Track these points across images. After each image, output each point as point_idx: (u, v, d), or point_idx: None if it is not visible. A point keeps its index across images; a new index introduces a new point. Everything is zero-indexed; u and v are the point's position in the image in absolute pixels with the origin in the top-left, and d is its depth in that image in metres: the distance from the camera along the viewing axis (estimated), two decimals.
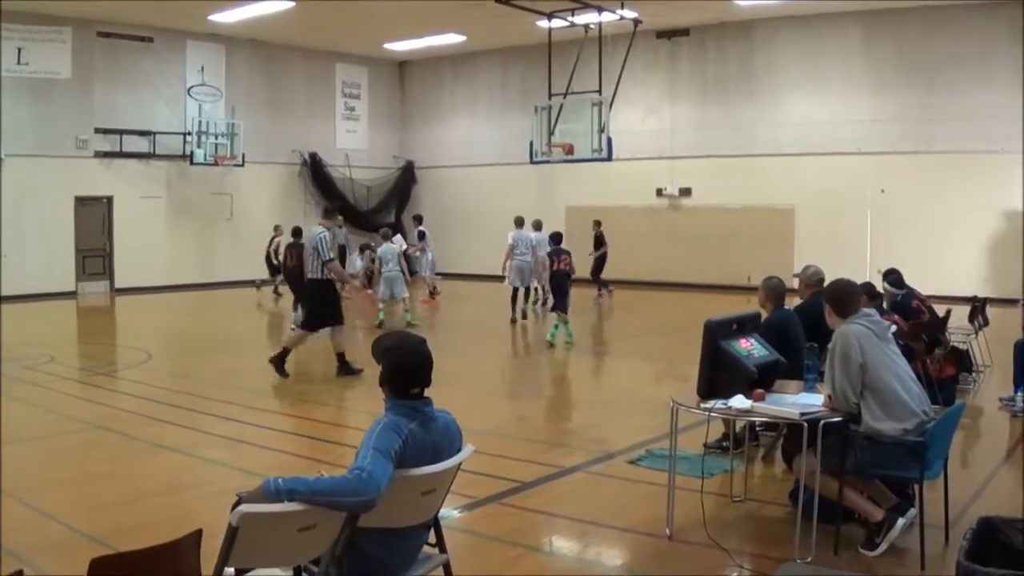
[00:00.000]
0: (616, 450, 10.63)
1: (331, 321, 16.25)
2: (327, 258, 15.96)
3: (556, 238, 21.41)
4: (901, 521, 7.19)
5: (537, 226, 24.48)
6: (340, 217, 34.59)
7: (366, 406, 13.53)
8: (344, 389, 15.93)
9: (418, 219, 30.30)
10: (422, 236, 29.31)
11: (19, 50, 29.57)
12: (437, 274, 30.62)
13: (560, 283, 20.23)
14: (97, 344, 22.27)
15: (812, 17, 29.24)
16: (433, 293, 28.99)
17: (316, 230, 16.09)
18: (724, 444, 9.84)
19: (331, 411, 13.92)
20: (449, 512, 7.61)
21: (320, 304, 16.24)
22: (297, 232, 23.02)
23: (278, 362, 16.07)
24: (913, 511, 7.25)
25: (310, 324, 16.42)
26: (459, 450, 5.41)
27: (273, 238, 29.06)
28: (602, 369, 18.00)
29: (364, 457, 4.85)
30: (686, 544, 7.55)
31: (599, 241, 28.54)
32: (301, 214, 35.23)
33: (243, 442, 11.51)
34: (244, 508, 4.52)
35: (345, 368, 16.13)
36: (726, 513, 8.37)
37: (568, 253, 20.83)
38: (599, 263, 28.87)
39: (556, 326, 19.92)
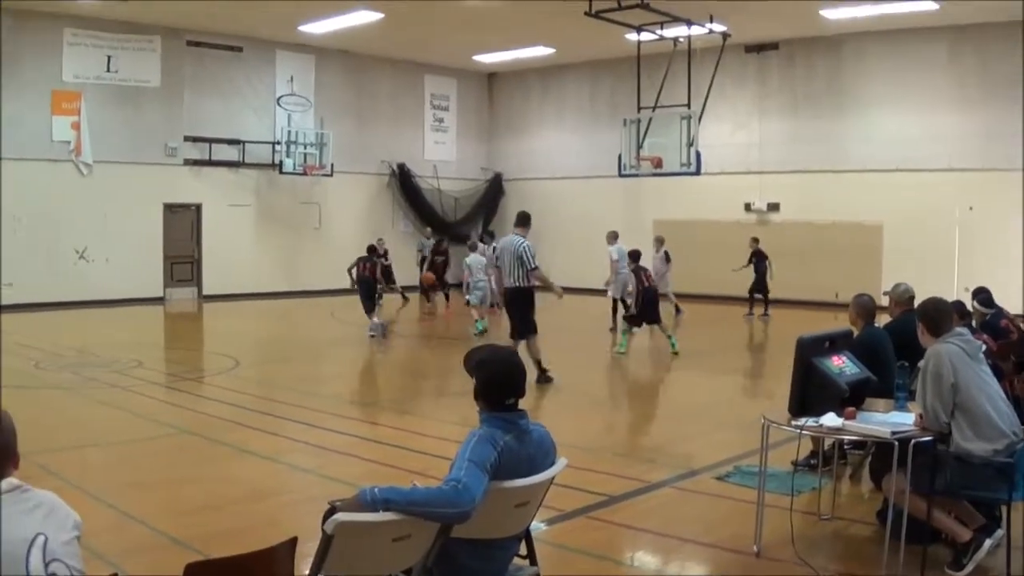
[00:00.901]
0: (703, 466, 10.60)
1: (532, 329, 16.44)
2: (532, 266, 16.06)
3: (635, 255, 21.58)
4: (988, 542, 7.10)
5: (615, 238, 24.69)
6: (428, 228, 35.02)
7: (450, 416, 13.61)
8: (428, 399, 16.10)
9: (491, 235, 30.21)
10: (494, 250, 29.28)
11: (108, 58, 30.03)
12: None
13: (651, 297, 20.33)
14: (184, 350, 22.59)
15: (899, 32, 28.91)
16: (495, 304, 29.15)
17: (515, 239, 16.27)
18: (812, 462, 9.79)
19: (415, 420, 13.87)
20: (537, 524, 7.54)
21: (528, 311, 16.36)
22: (371, 249, 24.75)
23: (541, 375, 16.08)
24: (1000, 532, 7.18)
25: (525, 331, 16.44)
26: (553, 463, 5.41)
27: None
28: (689, 383, 17.91)
29: (459, 468, 4.86)
30: (774, 562, 7.52)
31: (759, 256, 28.03)
32: (389, 224, 35.49)
33: (328, 450, 11.62)
34: (340, 516, 4.55)
35: (544, 376, 16.12)
36: (813, 531, 8.32)
37: (647, 270, 21.09)
38: (760, 280, 28.43)
39: (624, 336, 20.52)
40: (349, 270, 24.19)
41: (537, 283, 16.48)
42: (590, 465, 10.42)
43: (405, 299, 29.77)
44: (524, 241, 16.22)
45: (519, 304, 16.44)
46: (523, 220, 16.99)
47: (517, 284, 16.20)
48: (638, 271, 20.87)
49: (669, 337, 20.34)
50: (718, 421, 13.49)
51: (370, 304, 23.69)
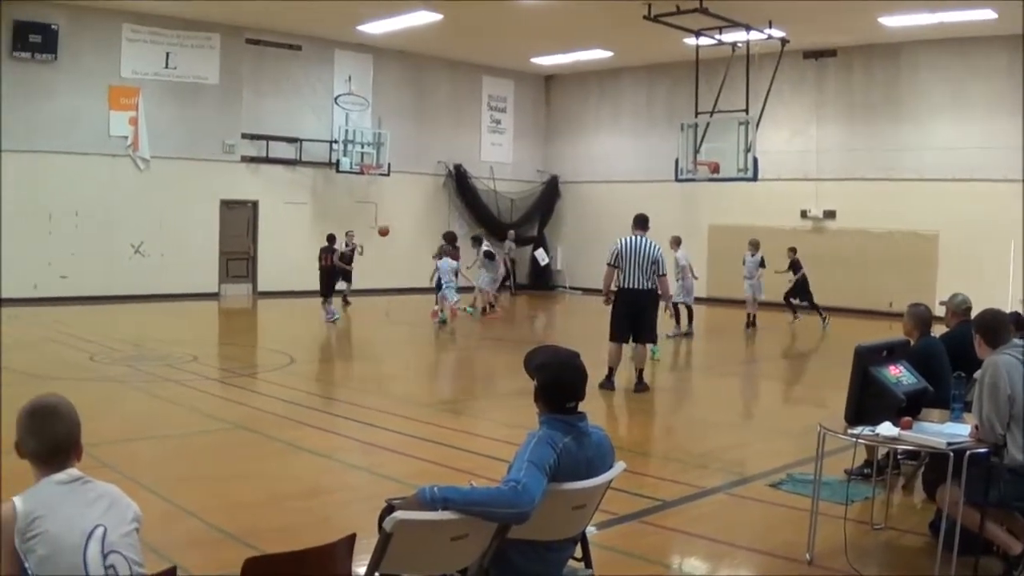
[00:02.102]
0: (756, 473, 10.58)
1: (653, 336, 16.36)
2: (664, 271, 15.99)
3: None
4: None
5: (679, 243, 24.66)
6: (512, 231, 35.20)
7: (503, 416, 13.65)
8: (482, 399, 16.11)
9: (477, 240, 30.43)
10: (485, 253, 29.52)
11: (167, 54, 30.30)
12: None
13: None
14: (239, 346, 22.70)
15: (957, 40, 28.67)
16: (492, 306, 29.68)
17: (648, 241, 15.90)
18: (866, 471, 9.75)
19: (468, 420, 13.96)
20: (591, 528, 7.54)
21: (656, 316, 16.25)
22: (331, 239, 26.54)
23: (640, 383, 15.97)
24: None
25: (653, 336, 16.37)
26: (611, 467, 5.41)
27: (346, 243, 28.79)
28: (742, 390, 17.87)
29: (519, 469, 4.88)
30: (826, 570, 7.49)
31: (795, 267, 27.88)
32: (444, 224, 35.46)
33: (382, 448, 11.66)
34: (400, 514, 4.57)
35: (642, 384, 15.98)
36: (866, 541, 8.28)
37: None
38: (800, 288, 28.07)
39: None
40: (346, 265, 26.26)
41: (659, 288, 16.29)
42: (644, 469, 10.49)
43: (346, 303, 29.64)
44: (658, 244, 16.08)
45: (649, 308, 16.08)
46: (645, 222, 16.34)
47: (649, 287, 15.80)
48: None
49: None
50: (771, 428, 13.49)
51: (326, 292, 25.74)
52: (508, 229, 36.84)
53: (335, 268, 26.13)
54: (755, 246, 26.67)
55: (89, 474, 4.20)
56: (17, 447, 4.20)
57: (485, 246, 29.82)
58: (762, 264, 26.87)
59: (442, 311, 25.59)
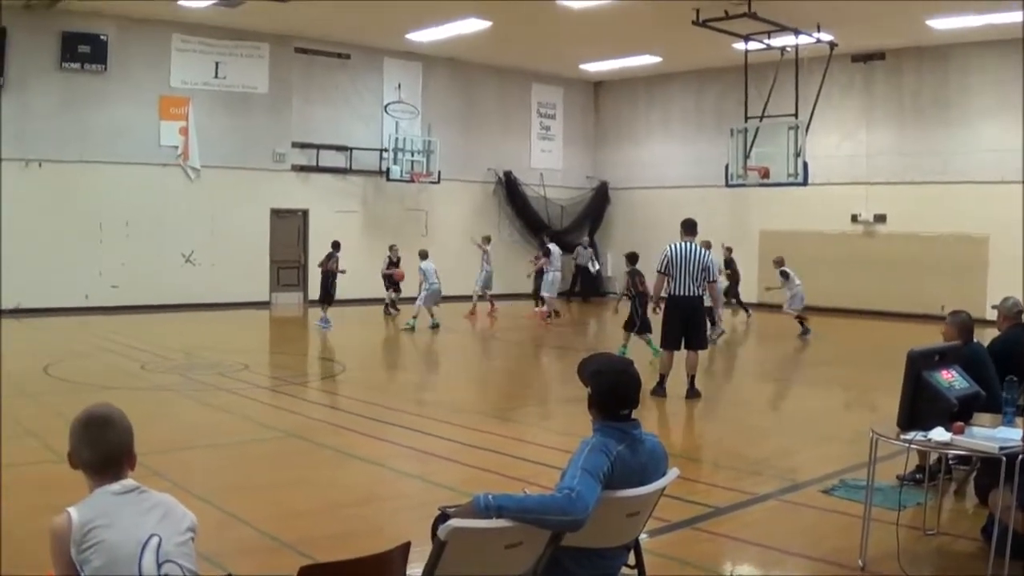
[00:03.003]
0: (808, 479, 10.56)
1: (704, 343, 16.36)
2: (714, 278, 15.98)
3: (632, 258, 21.22)
4: None
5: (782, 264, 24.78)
6: (586, 238, 35.43)
7: (554, 424, 13.73)
8: (532, 406, 16.14)
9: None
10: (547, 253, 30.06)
11: (217, 64, 30.55)
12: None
13: (644, 304, 20.19)
14: (290, 354, 22.76)
15: (1006, 42, 28.32)
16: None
17: (697, 247, 15.85)
18: (918, 476, 9.72)
19: (519, 427, 13.94)
20: (643, 535, 7.58)
21: (705, 323, 16.30)
22: (335, 245, 26.78)
23: (692, 389, 15.98)
24: None
25: (704, 343, 16.36)
26: (664, 473, 5.44)
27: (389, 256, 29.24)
28: (793, 396, 17.84)
29: (573, 477, 4.89)
30: None
31: (728, 265, 28.05)
32: (495, 231, 35.52)
33: (434, 455, 11.68)
34: (454, 523, 4.60)
35: (694, 390, 15.97)
36: (918, 546, 8.27)
37: (642, 275, 20.71)
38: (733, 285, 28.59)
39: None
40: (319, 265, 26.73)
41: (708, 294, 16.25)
42: (696, 476, 10.51)
43: (394, 310, 29.90)
44: (708, 251, 15.99)
45: (699, 315, 16.09)
46: (694, 227, 16.25)
47: (698, 294, 15.78)
48: (633, 275, 20.60)
49: (654, 352, 19.27)
50: (823, 434, 13.42)
51: (324, 297, 26.47)
52: (565, 236, 36.99)
53: (331, 274, 26.42)
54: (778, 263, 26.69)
55: (142, 483, 4.25)
56: (70, 458, 4.25)
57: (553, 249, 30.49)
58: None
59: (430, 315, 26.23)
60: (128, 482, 4.17)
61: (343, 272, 26.54)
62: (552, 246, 30.64)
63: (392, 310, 29.29)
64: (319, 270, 26.77)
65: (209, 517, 8.33)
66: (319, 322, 25.96)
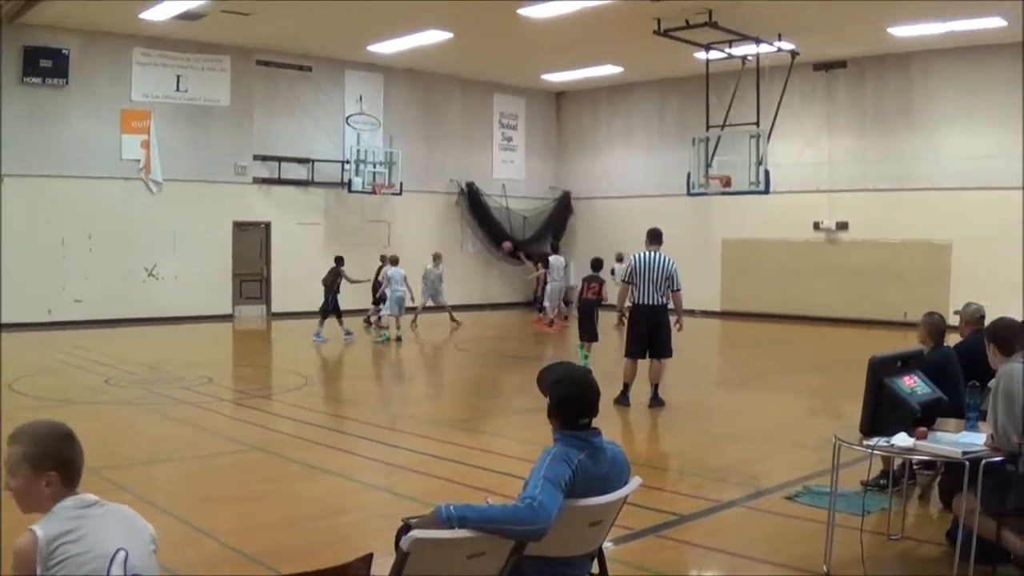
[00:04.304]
0: (773, 485, 10.57)
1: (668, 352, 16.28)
2: (679, 287, 15.98)
3: (595, 265, 21.33)
4: None
5: None
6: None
7: (518, 434, 13.71)
8: (497, 417, 16.13)
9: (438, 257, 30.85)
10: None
11: (178, 77, 30.42)
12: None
13: (588, 311, 20.26)
14: (254, 367, 22.79)
15: (968, 49, 28.60)
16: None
17: (663, 256, 15.82)
18: (882, 482, 9.75)
19: (483, 438, 13.94)
20: (607, 543, 7.53)
21: (670, 332, 16.17)
22: (338, 260, 26.79)
23: (655, 398, 15.99)
24: None
25: (669, 351, 16.23)
26: (626, 482, 5.43)
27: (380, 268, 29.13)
28: (756, 404, 17.82)
29: (535, 486, 4.89)
30: None
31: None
32: (457, 243, 35.65)
33: (399, 467, 11.67)
34: (416, 533, 4.59)
35: (658, 399, 15.98)
36: (883, 551, 8.29)
37: (601, 281, 20.82)
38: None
39: (585, 355, 19.93)
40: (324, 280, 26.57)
41: (671, 304, 16.27)
42: (660, 484, 10.51)
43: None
44: (672, 259, 16.06)
45: (665, 323, 16.04)
46: (659, 237, 16.24)
47: (664, 303, 15.80)
48: (585, 281, 20.72)
49: (584, 358, 19.63)
50: (787, 441, 13.46)
51: (332, 311, 26.14)
52: (523, 247, 37.04)
53: (335, 288, 26.29)
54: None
55: (106, 497, 4.22)
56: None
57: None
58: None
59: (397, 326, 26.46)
60: (88, 496, 4.14)
61: (358, 282, 27.12)
62: (553, 257, 31.08)
63: (371, 321, 29.22)
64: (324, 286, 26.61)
65: (174, 531, 8.37)
66: (316, 336, 25.75)
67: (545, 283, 31.06)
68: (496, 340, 27.30)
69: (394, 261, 26.74)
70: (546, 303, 30.70)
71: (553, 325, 29.84)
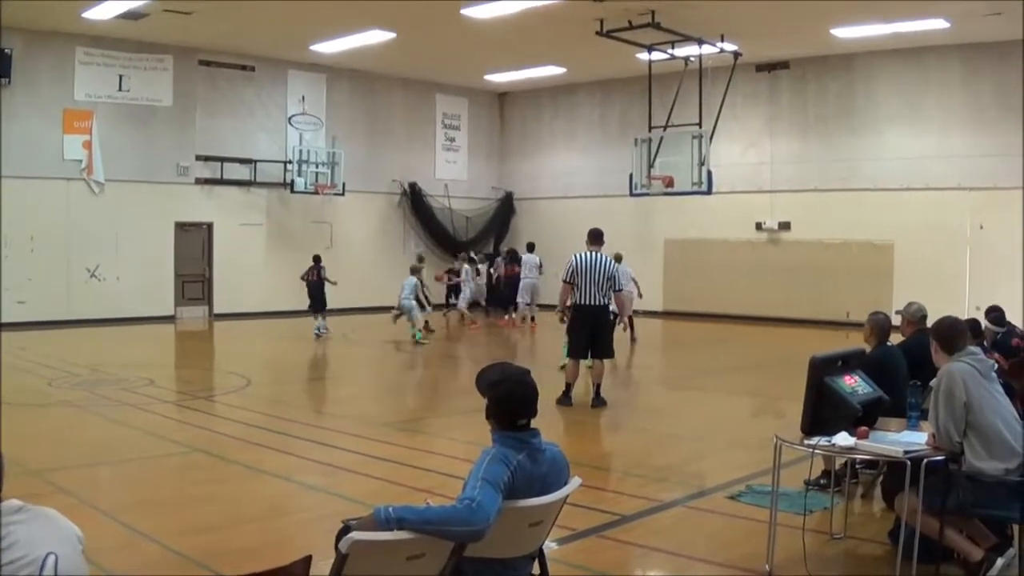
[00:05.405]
0: (715, 485, 10.59)
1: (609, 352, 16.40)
2: (620, 287, 15.93)
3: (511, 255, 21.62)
4: (1000, 561, 7.08)
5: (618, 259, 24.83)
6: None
7: (460, 434, 13.65)
8: (438, 417, 16.12)
9: (420, 258, 30.95)
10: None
11: (120, 77, 30.12)
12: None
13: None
14: (196, 368, 22.59)
15: (911, 50, 28.83)
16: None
17: (604, 257, 15.89)
18: (823, 481, 9.77)
19: (425, 439, 13.93)
20: (549, 543, 7.49)
21: (612, 332, 16.34)
22: (316, 259, 27.90)
23: (597, 399, 16.02)
24: (1012, 551, 7.17)
25: (610, 352, 16.40)
26: (566, 482, 5.42)
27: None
28: (699, 403, 17.85)
29: (473, 488, 4.88)
30: None
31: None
32: (400, 244, 35.57)
33: (340, 468, 11.62)
34: (355, 535, 4.56)
35: (600, 399, 16.01)
36: (825, 550, 8.30)
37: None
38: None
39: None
40: (302, 277, 27.40)
41: (613, 304, 16.30)
42: (602, 484, 10.50)
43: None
44: (613, 260, 16.06)
45: (606, 323, 16.24)
46: (600, 237, 16.28)
47: (605, 303, 15.88)
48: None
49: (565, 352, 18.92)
50: (730, 441, 13.50)
51: (315, 307, 27.19)
52: (466, 247, 36.97)
53: (319, 284, 27.18)
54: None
55: (45, 500, 4.15)
56: None
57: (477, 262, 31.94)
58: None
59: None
60: (13, 502, 4.05)
61: (334, 283, 27.52)
62: (526, 256, 31.41)
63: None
64: (302, 282, 27.50)
65: (115, 533, 8.34)
66: (316, 330, 26.56)
67: (456, 285, 32.43)
68: (441, 340, 27.18)
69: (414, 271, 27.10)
70: (518, 300, 31.15)
71: (523, 324, 30.39)
